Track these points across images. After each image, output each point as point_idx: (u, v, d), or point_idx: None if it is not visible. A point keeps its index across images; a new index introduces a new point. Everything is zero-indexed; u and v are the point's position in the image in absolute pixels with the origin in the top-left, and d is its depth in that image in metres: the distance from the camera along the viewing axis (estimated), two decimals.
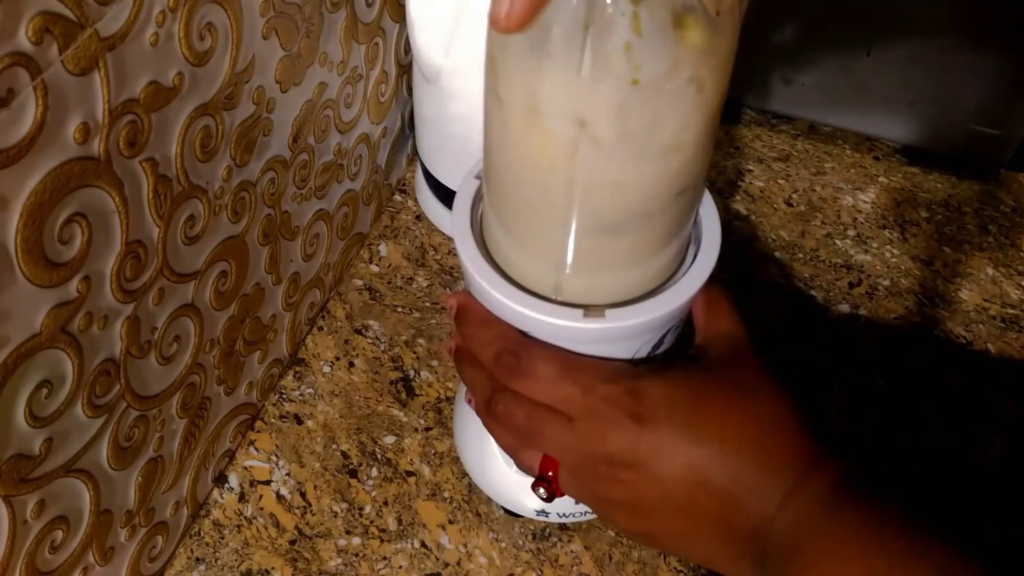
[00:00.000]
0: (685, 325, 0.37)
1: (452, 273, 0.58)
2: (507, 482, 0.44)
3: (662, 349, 0.36)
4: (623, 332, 0.33)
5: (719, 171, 0.64)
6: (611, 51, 0.26)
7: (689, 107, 0.28)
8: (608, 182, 0.29)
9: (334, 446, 0.50)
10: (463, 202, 0.36)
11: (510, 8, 0.24)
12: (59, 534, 0.36)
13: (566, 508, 0.44)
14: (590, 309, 0.33)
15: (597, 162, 0.29)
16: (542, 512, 0.44)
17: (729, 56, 0.28)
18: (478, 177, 0.36)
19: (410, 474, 0.49)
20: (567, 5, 0.25)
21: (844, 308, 0.57)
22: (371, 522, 0.47)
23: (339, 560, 0.46)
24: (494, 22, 0.25)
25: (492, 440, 0.44)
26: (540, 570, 0.45)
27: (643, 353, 0.35)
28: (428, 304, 0.57)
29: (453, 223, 0.36)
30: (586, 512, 0.44)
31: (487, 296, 0.34)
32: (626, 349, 0.35)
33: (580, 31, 0.26)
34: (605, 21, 0.25)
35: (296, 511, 0.47)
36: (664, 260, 0.33)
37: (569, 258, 0.32)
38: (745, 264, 0.59)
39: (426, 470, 0.49)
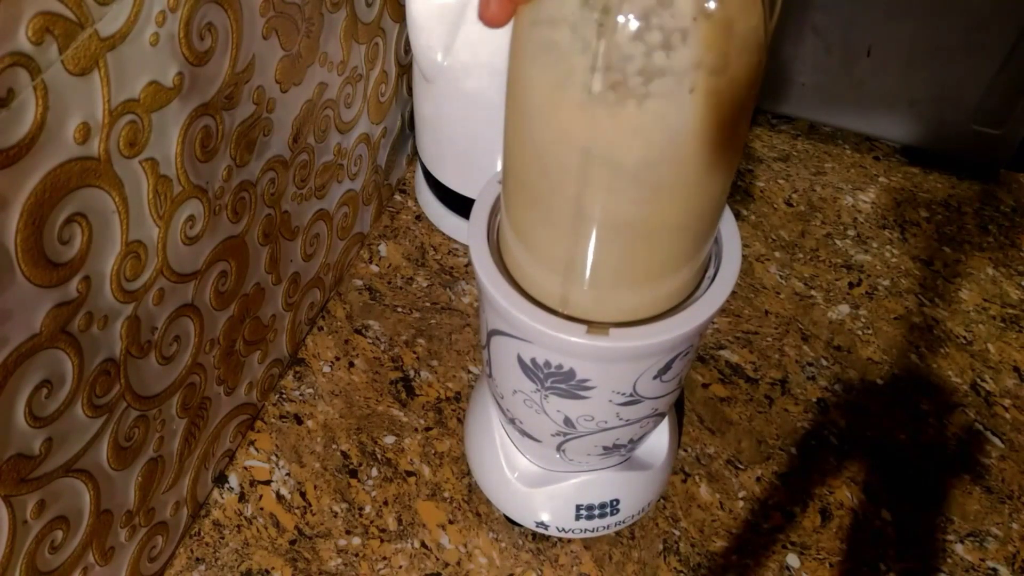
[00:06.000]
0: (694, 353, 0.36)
1: (452, 273, 0.58)
2: (510, 491, 0.44)
3: (669, 375, 0.35)
4: (625, 353, 0.32)
5: None
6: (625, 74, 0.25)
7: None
8: (620, 176, 0.29)
9: (334, 446, 0.50)
10: (482, 207, 0.35)
11: (495, 8, 0.27)
12: (59, 534, 0.36)
13: (566, 523, 0.44)
14: (594, 326, 0.31)
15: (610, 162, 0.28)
16: (542, 524, 0.44)
17: (758, 72, 0.27)
18: (500, 183, 0.36)
19: (410, 474, 0.49)
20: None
21: (844, 308, 0.57)
22: (371, 522, 0.47)
23: (339, 560, 0.46)
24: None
25: (498, 447, 0.44)
26: (540, 570, 0.45)
27: (648, 377, 0.34)
28: (428, 304, 0.57)
29: (470, 227, 0.35)
30: (585, 529, 0.44)
31: (494, 302, 0.33)
32: (630, 371, 0.34)
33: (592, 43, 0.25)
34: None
35: (296, 511, 0.47)
36: (677, 282, 0.32)
37: (576, 270, 0.31)
38: (745, 264, 0.59)
39: (426, 470, 0.49)
